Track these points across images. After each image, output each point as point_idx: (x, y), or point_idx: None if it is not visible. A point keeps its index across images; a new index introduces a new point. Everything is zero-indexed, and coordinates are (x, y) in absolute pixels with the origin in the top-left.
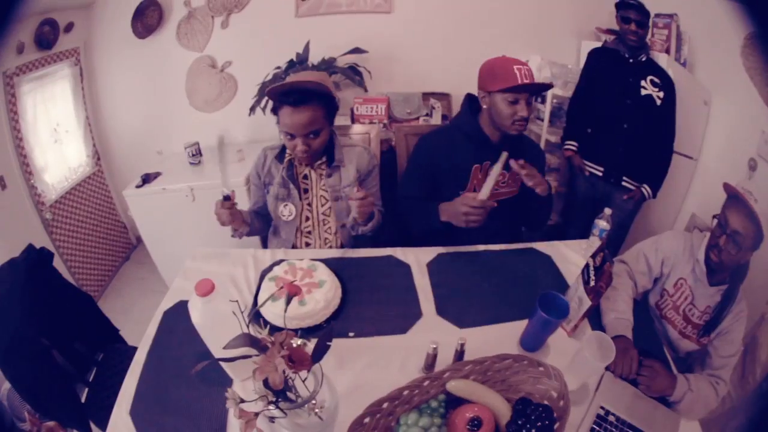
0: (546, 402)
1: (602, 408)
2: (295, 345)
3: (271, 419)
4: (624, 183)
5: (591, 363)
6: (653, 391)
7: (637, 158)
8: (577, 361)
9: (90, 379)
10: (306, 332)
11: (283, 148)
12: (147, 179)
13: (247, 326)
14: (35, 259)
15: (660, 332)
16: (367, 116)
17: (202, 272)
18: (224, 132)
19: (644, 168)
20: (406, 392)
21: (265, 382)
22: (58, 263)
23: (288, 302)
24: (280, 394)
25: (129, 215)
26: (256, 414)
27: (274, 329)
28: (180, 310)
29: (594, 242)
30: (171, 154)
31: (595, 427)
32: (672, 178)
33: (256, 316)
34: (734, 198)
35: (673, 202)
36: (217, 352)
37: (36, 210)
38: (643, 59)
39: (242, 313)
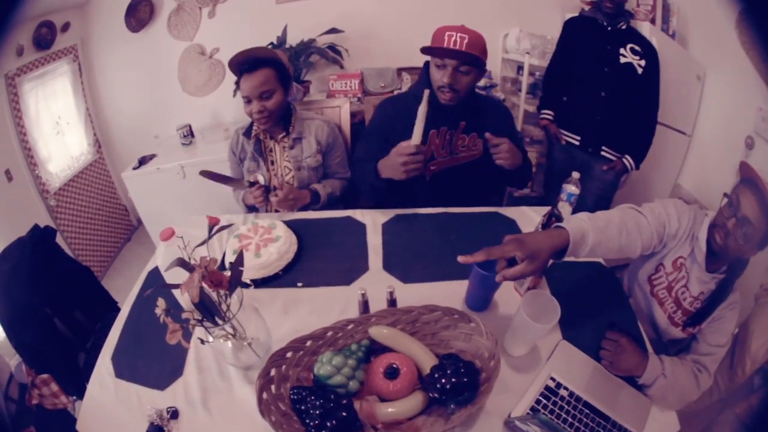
0: (477, 361)
1: (552, 379)
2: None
3: (202, 341)
4: (603, 153)
5: (529, 324)
6: (617, 369)
7: (617, 128)
8: (516, 321)
9: (88, 347)
10: (262, 282)
11: (250, 126)
12: (143, 161)
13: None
14: (39, 236)
15: (641, 311)
16: (342, 91)
17: (185, 236)
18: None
19: (625, 138)
20: (330, 333)
21: (197, 304)
22: (62, 245)
23: (210, 232)
24: (206, 313)
25: (129, 197)
26: (182, 325)
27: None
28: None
29: (563, 207)
30: (166, 137)
31: (541, 398)
32: (665, 153)
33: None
34: (749, 182)
35: (667, 178)
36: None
37: (41, 198)
38: (623, 27)
39: (185, 248)
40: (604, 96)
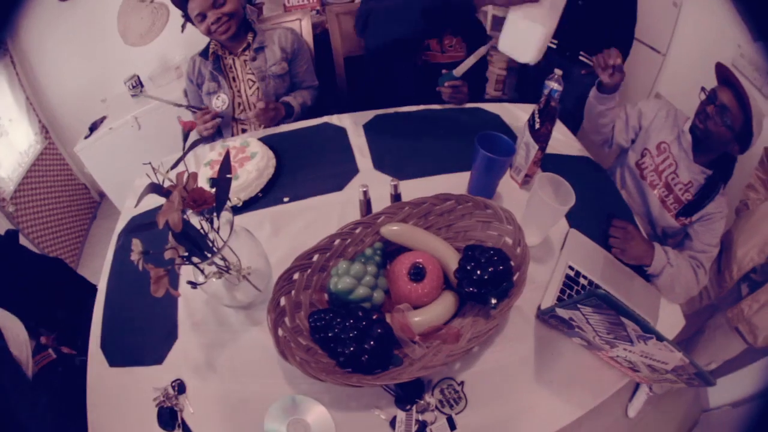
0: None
1: (571, 268)
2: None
3: (194, 285)
4: (581, 58)
5: (548, 206)
6: (628, 256)
7: (595, 36)
8: (532, 204)
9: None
10: (243, 206)
11: (207, 46)
12: (94, 127)
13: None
14: (2, 243)
15: (634, 202)
16: (299, 6)
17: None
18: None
19: (602, 46)
20: (337, 241)
21: (177, 236)
22: (27, 245)
23: (184, 138)
24: (191, 247)
25: (86, 172)
26: (167, 270)
27: None
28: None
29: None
30: (115, 96)
31: (565, 288)
32: (638, 67)
33: None
34: (725, 81)
35: (640, 90)
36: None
37: None
38: None
39: (156, 169)
40: (581, 4)
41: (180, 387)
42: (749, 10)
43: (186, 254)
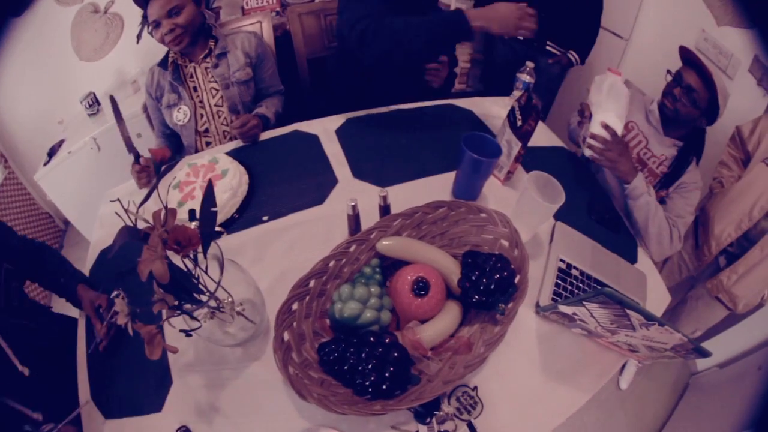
0: (498, 252)
1: (562, 261)
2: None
3: (188, 333)
4: (549, 48)
5: (538, 204)
6: (617, 168)
7: (562, 25)
8: (522, 203)
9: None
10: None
11: (165, 56)
12: (52, 152)
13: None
14: None
15: (613, 184)
16: (258, 8)
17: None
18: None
19: (570, 35)
20: (332, 263)
21: (165, 287)
22: None
23: (157, 170)
24: (181, 294)
25: (48, 200)
26: (159, 327)
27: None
28: (103, 261)
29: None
30: (73, 117)
31: (559, 282)
32: (602, 53)
33: None
34: (689, 61)
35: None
36: None
37: None
38: None
39: (126, 211)
40: None
41: None
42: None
43: (176, 303)
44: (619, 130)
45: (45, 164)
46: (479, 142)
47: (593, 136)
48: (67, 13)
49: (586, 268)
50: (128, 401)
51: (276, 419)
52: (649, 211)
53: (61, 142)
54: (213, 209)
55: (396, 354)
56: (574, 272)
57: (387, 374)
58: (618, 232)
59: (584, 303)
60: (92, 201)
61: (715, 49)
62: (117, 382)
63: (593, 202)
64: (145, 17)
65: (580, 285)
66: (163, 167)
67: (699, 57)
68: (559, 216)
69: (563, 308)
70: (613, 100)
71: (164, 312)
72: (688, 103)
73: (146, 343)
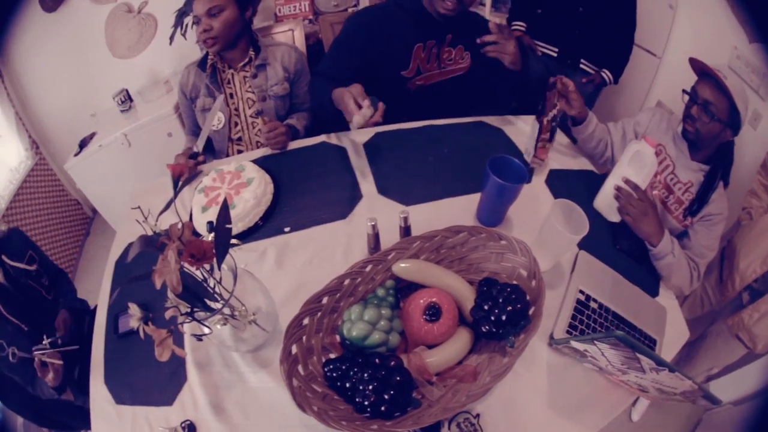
0: (515, 282)
1: (581, 292)
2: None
3: (199, 338)
4: (582, 66)
5: (561, 234)
6: (641, 230)
7: (595, 43)
8: (544, 233)
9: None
10: (242, 236)
11: (205, 57)
12: (83, 144)
13: (155, 233)
14: None
15: None
16: (291, 15)
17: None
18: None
19: (603, 53)
20: (347, 282)
21: (181, 294)
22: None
23: (174, 184)
24: (194, 302)
25: (78, 189)
26: (170, 331)
27: None
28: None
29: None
30: (104, 111)
31: (576, 314)
32: (635, 71)
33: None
34: (702, 73)
35: (637, 94)
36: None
37: None
38: None
39: (146, 219)
40: (582, 11)
41: (190, 428)
42: (748, 11)
43: (188, 310)
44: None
45: (76, 155)
46: (506, 165)
47: (618, 189)
48: (102, 11)
49: (605, 300)
50: (142, 391)
51: (277, 426)
52: (671, 269)
53: (93, 134)
54: (227, 226)
55: (398, 378)
56: (593, 305)
57: (387, 396)
58: (641, 263)
59: (595, 342)
60: (120, 194)
61: (748, 68)
62: (133, 372)
63: (619, 231)
64: (179, 18)
65: (597, 318)
66: (180, 182)
67: (708, 65)
68: (583, 243)
69: (575, 344)
70: (636, 167)
71: (178, 318)
72: (708, 119)
73: (156, 344)
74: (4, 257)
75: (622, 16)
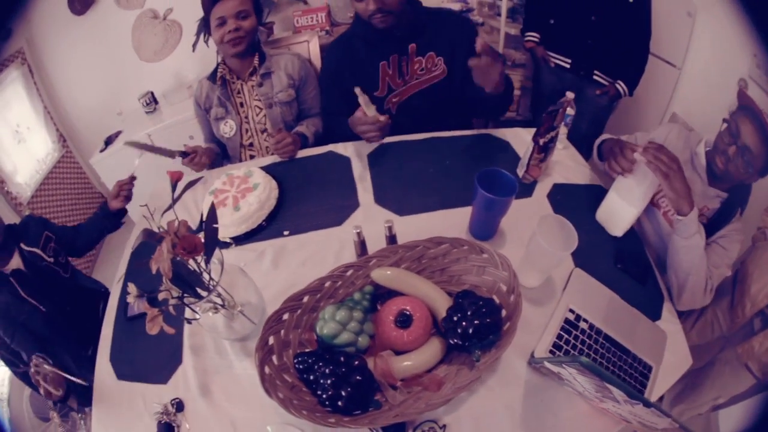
0: (494, 296)
1: (571, 311)
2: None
3: (189, 321)
4: (596, 77)
5: (546, 251)
6: (673, 186)
7: (609, 53)
8: (531, 248)
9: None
10: (245, 237)
11: (215, 70)
12: (109, 141)
13: (158, 228)
14: None
15: (646, 229)
16: (309, 26)
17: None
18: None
19: (617, 64)
20: (327, 283)
21: (173, 279)
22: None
23: (173, 188)
24: (185, 288)
25: (102, 183)
26: (161, 310)
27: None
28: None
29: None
30: (130, 111)
31: (562, 333)
32: (654, 82)
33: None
34: (747, 109)
35: (656, 106)
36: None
37: (15, 213)
38: None
39: (152, 215)
40: (595, 20)
41: (179, 405)
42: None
43: (180, 295)
44: (637, 212)
45: (101, 151)
46: (497, 178)
47: (650, 143)
48: (129, 15)
49: (596, 321)
50: (142, 369)
51: (256, 411)
52: (697, 255)
53: (118, 132)
54: (214, 226)
55: (358, 377)
56: (582, 325)
57: (344, 393)
58: (644, 284)
59: (564, 366)
60: (142, 189)
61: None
62: (136, 352)
63: (622, 249)
64: (204, 25)
65: (586, 339)
66: (178, 186)
67: (759, 108)
68: (581, 261)
69: (549, 365)
70: (638, 178)
71: (169, 300)
72: (742, 166)
73: (147, 320)
74: (22, 244)
75: (635, 25)
